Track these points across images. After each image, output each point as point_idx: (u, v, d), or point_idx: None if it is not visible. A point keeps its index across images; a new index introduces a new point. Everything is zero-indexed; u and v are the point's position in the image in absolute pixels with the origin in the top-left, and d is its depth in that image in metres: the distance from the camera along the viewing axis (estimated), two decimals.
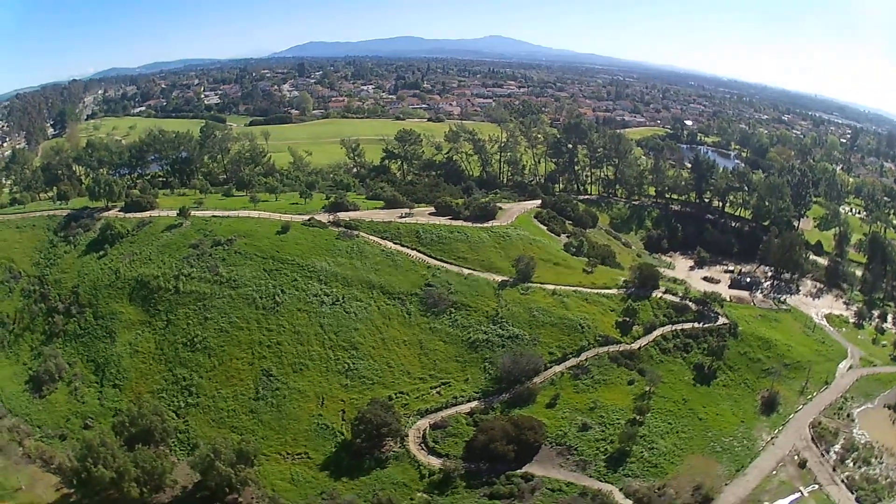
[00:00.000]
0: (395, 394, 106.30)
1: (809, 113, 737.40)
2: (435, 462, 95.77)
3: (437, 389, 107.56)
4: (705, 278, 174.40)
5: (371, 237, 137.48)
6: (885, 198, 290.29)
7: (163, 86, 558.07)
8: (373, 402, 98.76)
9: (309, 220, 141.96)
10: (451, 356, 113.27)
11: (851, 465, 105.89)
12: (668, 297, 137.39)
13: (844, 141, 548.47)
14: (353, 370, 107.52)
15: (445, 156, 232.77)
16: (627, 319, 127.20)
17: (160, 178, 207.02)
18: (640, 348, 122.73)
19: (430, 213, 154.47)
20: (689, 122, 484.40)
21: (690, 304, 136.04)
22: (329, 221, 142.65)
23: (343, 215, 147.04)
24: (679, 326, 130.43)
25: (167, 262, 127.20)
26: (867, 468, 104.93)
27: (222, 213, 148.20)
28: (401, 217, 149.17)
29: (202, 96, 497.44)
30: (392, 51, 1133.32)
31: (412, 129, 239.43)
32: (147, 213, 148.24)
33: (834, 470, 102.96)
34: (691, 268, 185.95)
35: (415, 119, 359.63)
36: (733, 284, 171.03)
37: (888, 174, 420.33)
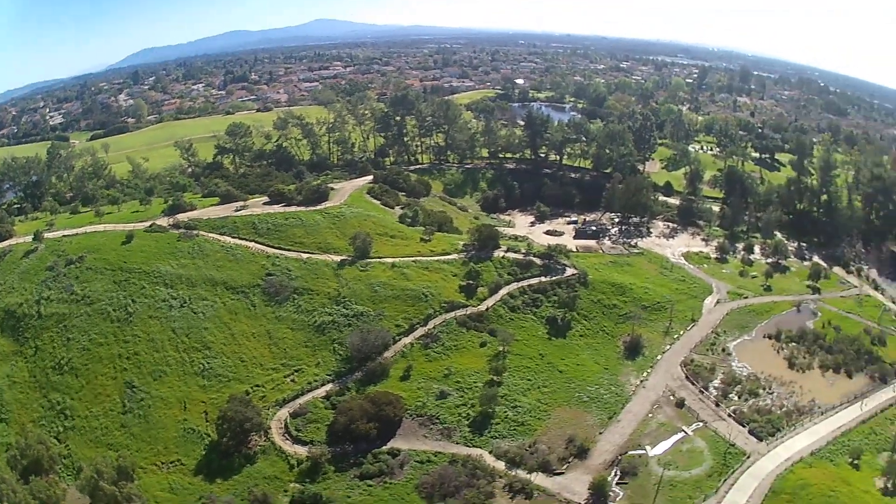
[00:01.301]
0: (252, 387, 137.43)
1: (651, 58, 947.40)
2: (301, 450, 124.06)
3: (291, 377, 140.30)
4: (548, 232, 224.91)
5: (210, 234, 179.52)
6: (741, 132, 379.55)
7: (13, 113, 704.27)
8: (232, 399, 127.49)
9: (151, 226, 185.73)
10: (299, 342, 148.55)
11: (737, 398, 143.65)
12: (511, 255, 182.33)
13: (691, 81, 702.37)
14: (209, 370, 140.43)
15: (275, 144, 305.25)
16: (471, 282, 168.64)
17: (16, 206, 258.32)
18: (487, 309, 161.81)
19: (264, 203, 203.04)
20: (520, 81, 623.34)
21: (535, 259, 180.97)
22: (169, 225, 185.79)
23: (182, 216, 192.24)
24: (526, 283, 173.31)
25: (28, 288, 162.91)
26: (756, 400, 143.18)
27: (71, 231, 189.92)
28: (236, 210, 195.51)
29: (47, 118, 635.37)
30: (220, 47, 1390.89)
31: (242, 121, 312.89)
32: (6, 243, 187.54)
33: (717, 405, 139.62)
34: (532, 223, 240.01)
35: (244, 111, 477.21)
36: (578, 235, 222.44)
37: (743, 108, 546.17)
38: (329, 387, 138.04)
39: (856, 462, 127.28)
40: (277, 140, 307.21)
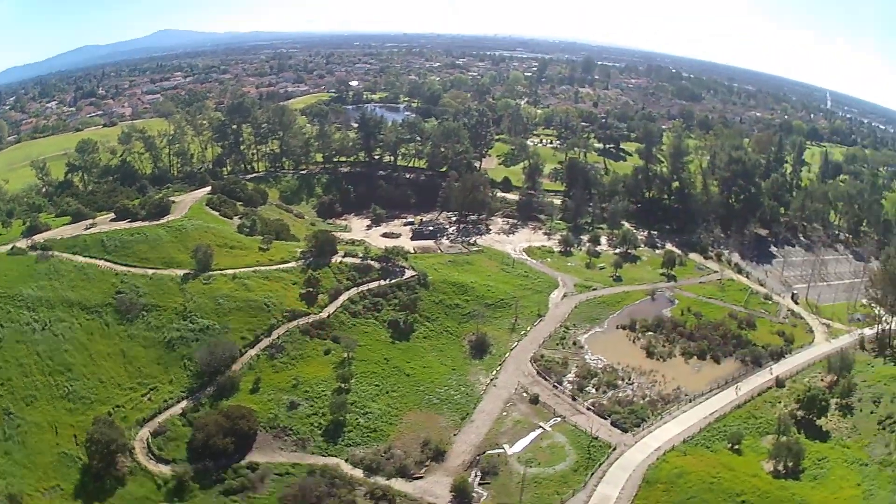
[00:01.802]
0: (113, 408, 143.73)
1: (489, 53, 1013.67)
2: (165, 469, 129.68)
3: (148, 396, 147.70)
4: (385, 234, 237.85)
5: (64, 254, 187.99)
6: (583, 123, 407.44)
7: None
8: (96, 421, 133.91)
9: (12, 248, 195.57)
10: (152, 360, 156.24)
11: (594, 391, 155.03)
12: (349, 259, 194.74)
13: (530, 74, 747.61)
14: (73, 392, 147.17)
15: (120, 159, 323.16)
16: (311, 290, 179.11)
17: None
18: (329, 316, 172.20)
19: (111, 220, 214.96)
20: (354, 83, 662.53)
21: (373, 262, 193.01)
22: (28, 246, 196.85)
23: (39, 237, 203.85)
24: (365, 287, 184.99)
25: None
26: (615, 391, 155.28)
27: None
28: (86, 229, 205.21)
29: None
30: (73, 63, 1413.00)
31: (90, 137, 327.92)
32: None
33: (574, 399, 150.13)
34: (368, 227, 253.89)
35: (92, 127, 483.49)
36: (416, 236, 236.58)
37: (585, 98, 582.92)
38: (184, 403, 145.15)
39: (737, 447, 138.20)
40: (122, 155, 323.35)
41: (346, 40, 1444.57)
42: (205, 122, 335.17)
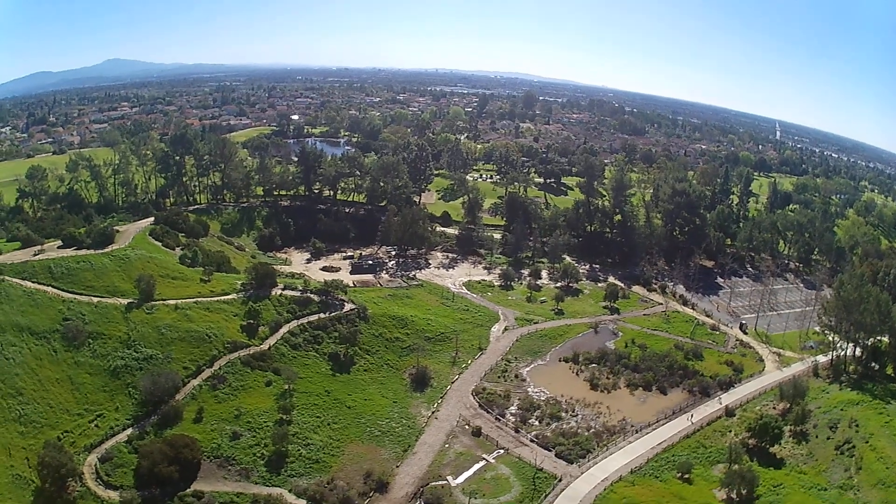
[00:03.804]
0: (63, 433, 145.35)
1: (429, 88, 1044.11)
2: (114, 495, 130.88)
3: (95, 423, 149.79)
4: (325, 268, 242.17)
5: (14, 279, 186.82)
6: (523, 158, 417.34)
7: None
8: (47, 446, 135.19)
9: None
10: (98, 387, 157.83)
11: (537, 423, 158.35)
12: (289, 292, 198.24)
13: (471, 110, 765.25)
14: (24, 416, 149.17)
15: (67, 187, 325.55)
16: (252, 322, 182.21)
17: None
18: (270, 348, 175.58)
19: (58, 247, 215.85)
20: (295, 117, 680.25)
21: (312, 295, 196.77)
22: None
23: None
24: (305, 320, 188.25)
25: None
26: (559, 423, 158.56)
27: None
28: (34, 255, 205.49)
29: None
30: (27, 88, 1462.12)
31: (40, 164, 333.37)
32: None
33: (517, 431, 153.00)
34: (308, 260, 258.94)
35: (42, 154, 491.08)
36: (355, 269, 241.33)
37: (526, 133, 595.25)
38: (130, 431, 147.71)
39: (686, 476, 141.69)
40: (69, 183, 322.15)
41: (288, 74, 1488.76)
42: (149, 152, 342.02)
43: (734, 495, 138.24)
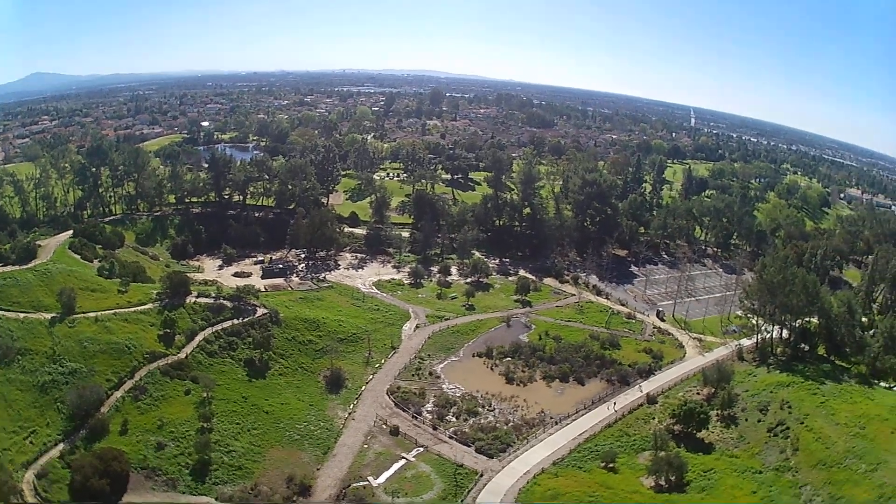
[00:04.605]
0: (1, 451, 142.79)
1: (337, 89, 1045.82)
2: None
3: (29, 439, 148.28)
4: (236, 274, 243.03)
5: None
6: (430, 155, 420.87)
7: None
8: None
9: None
10: (29, 403, 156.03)
11: (455, 419, 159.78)
12: (203, 300, 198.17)
13: (377, 109, 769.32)
14: None
15: None
16: (168, 331, 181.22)
17: None
18: (187, 356, 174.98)
19: None
20: (205, 123, 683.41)
21: (226, 302, 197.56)
22: None
23: None
24: (220, 326, 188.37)
25: None
26: (476, 419, 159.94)
27: None
28: None
29: None
30: None
31: None
32: None
33: (435, 429, 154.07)
34: (220, 266, 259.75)
35: None
36: (266, 274, 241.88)
37: (433, 130, 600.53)
38: (61, 446, 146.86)
39: (611, 465, 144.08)
40: None
41: (200, 80, 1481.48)
42: (67, 165, 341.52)
43: (662, 482, 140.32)
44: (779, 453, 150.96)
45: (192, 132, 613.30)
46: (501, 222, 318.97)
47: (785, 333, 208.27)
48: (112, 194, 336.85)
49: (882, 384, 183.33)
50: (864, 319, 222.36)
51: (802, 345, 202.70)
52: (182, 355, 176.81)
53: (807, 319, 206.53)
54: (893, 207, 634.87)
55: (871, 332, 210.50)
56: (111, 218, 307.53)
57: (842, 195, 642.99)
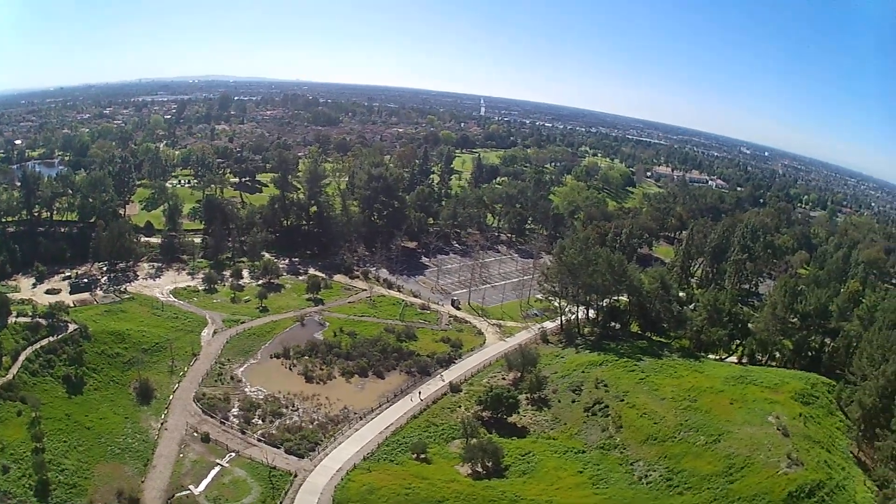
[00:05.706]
0: None
1: (132, 99, 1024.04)
2: None
3: None
4: (48, 291, 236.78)
5: None
6: (219, 159, 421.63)
7: None
8: None
9: None
10: None
11: (261, 422, 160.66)
12: (21, 319, 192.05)
13: (170, 116, 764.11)
14: None
15: None
16: None
17: None
18: (14, 377, 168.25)
19: None
20: (18, 142, 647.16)
21: (41, 320, 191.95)
22: None
23: None
24: (38, 345, 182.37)
25: None
26: (281, 420, 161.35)
27: None
28: None
29: None
30: None
31: None
32: None
33: (243, 433, 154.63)
34: (34, 285, 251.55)
35: None
36: (73, 289, 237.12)
37: (221, 135, 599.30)
38: None
39: (423, 456, 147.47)
40: None
41: (14, 99, 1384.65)
42: None
43: (479, 468, 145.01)
44: (601, 431, 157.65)
45: (7, 151, 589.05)
46: (289, 222, 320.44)
47: (592, 314, 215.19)
48: None
49: (711, 356, 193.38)
50: (681, 294, 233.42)
51: (612, 323, 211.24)
52: (10, 376, 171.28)
53: (615, 298, 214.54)
54: (710, 182, 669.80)
55: (692, 305, 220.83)
56: None
57: (649, 174, 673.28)
